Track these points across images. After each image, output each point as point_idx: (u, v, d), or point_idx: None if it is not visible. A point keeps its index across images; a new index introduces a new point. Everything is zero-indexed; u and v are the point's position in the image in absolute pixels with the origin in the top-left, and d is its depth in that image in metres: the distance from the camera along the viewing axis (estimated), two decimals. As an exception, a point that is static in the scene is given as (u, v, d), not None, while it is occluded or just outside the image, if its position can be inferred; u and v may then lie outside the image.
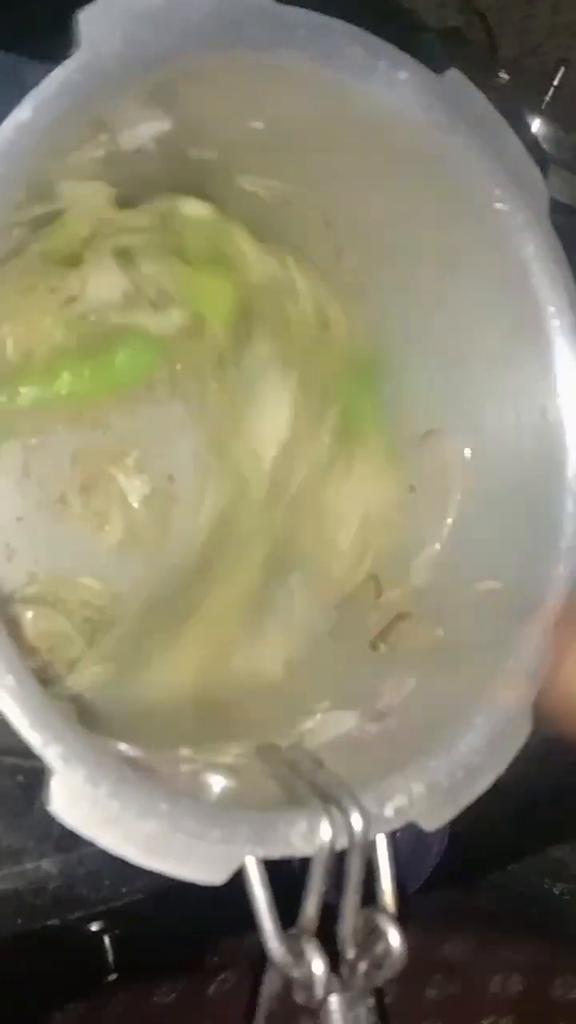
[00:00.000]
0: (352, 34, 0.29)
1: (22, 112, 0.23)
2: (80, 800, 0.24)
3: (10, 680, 0.23)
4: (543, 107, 0.51)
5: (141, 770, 0.27)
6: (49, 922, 0.36)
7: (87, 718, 0.32)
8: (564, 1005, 0.43)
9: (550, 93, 0.52)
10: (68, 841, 0.34)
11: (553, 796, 0.52)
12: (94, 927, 0.43)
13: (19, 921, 0.35)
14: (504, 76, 0.51)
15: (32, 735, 0.23)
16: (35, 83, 0.23)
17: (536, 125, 0.50)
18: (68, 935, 0.41)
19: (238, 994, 0.44)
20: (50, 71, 0.24)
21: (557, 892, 0.63)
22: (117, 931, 0.44)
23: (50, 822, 0.24)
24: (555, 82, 0.52)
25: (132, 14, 0.24)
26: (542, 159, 0.47)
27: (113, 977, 0.47)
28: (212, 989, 0.44)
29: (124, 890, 0.37)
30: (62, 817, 0.23)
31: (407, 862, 0.40)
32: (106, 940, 0.45)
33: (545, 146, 0.49)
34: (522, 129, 0.47)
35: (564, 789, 0.52)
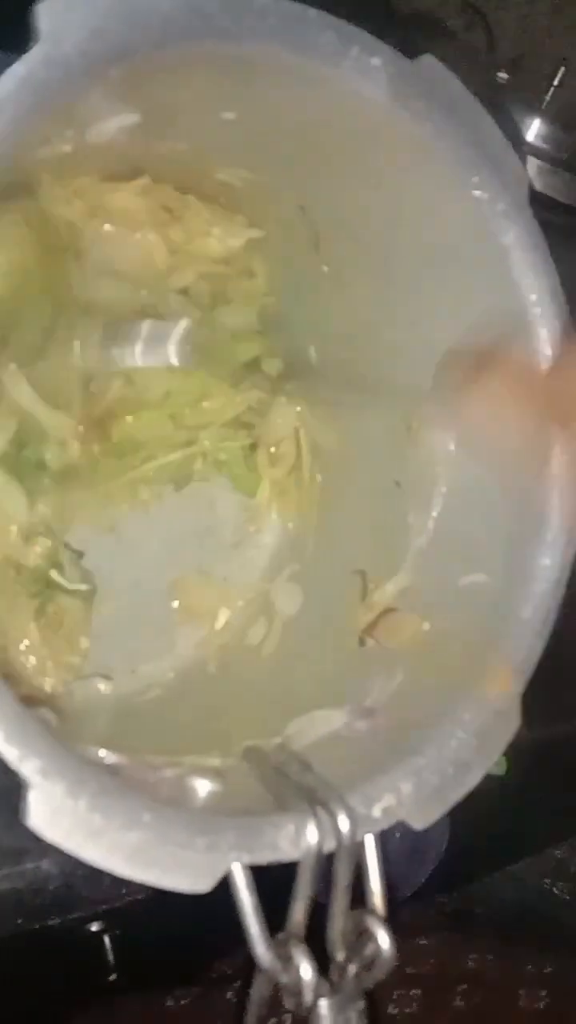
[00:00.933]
0: (323, 21, 0.28)
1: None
2: (60, 814, 0.23)
3: (-16, 694, 0.22)
4: (543, 107, 0.51)
5: (123, 779, 0.26)
6: (49, 922, 0.36)
7: (67, 723, 0.32)
8: None
9: (550, 93, 0.51)
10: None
11: (553, 796, 0.52)
12: (94, 927, 0.43)
13: (19, 921, 0.35)
14: (504, 76, 0.50)
15: (8, 749, 0.22)
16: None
17: (536, 125, 0.49)
18: (68, 935, 0.41)
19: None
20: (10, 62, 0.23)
21: (557, 892, 0.63)
22: (117, 931, 0.44)
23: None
24: (555, 82, 0.52)
25: (96, 5, 0.24)
26: (520, 145, 0.46)
27: (113, 977, 0.46)
28: (231, 993, 0.44)
29: (124, 890, 0.37)
30: (41, 832, 0.23)
31: (405, 864, 0.40)
32: (106, 940, 0.45)
33: (545, 146, 0.49)
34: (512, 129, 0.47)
35: (564, 789, 0.51)
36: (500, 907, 0.55)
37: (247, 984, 0.44)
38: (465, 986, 0.46)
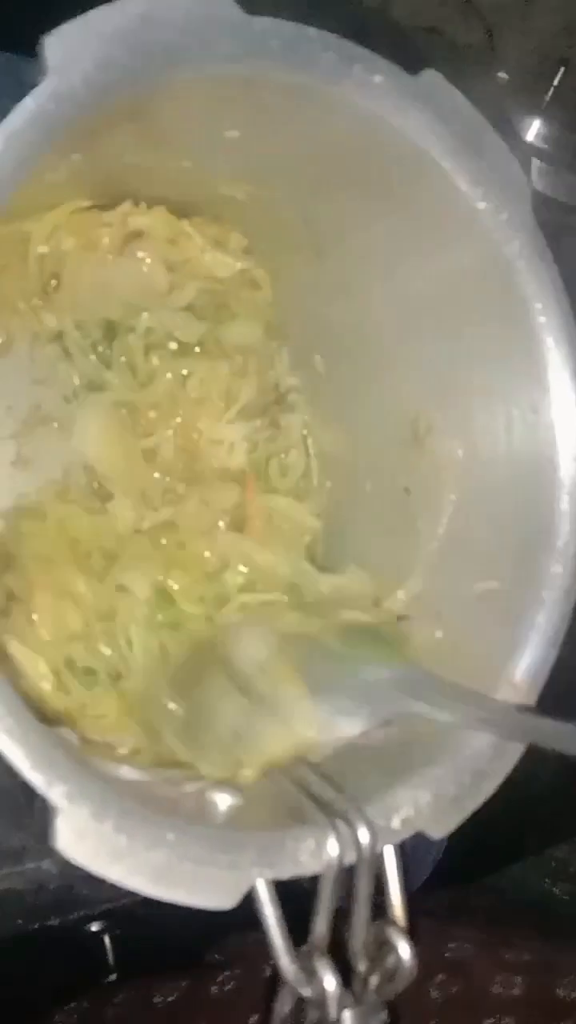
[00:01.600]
0: (325, 40, 0.28)
1: (-7, 146, 0.22)
2: (86, 836, 0.24)
3: (10, 721, 0.22)
4: (543, 107, 0.50)
5: (146, 796, 0.27)
6: (49, 922, 0.36)
7: (89, 741, 0.32)
8: (569, 1005, 0.43)
9: (550, 93, 0.51)
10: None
11: (553, 796, 0.52)
12: (94, 927, 0.43)
13: (19, 921, 0.35)
14: (504, 76, 0.50)
15: (35, 776, 0.23)
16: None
17: (536, 125, 0.49)
18: (68, 935, 0.41)
19: (240, 994, 0.44)
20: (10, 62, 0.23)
21: (557, 892, 0.63)
22: (117, 931, 0.44)
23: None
24: (555, 82, 0.51)
25: (102, 36, 0.24)
26: (525, 155, 0.46)
27: (113, 977, 0.47)
28: (215, 989, 0.44)
29: (124, 890, 0.37)
30: (69, 854, 0.23)
31: (406, 863, 0.40)
32: (106, 940, 0.45)
33: (545, 146, 0.49)
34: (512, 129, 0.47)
35: (564, 789, 0.52)
36: (499, 907, 0.56)
37: (232, 976, 0.44)
38: (443, 976, 0.46)
